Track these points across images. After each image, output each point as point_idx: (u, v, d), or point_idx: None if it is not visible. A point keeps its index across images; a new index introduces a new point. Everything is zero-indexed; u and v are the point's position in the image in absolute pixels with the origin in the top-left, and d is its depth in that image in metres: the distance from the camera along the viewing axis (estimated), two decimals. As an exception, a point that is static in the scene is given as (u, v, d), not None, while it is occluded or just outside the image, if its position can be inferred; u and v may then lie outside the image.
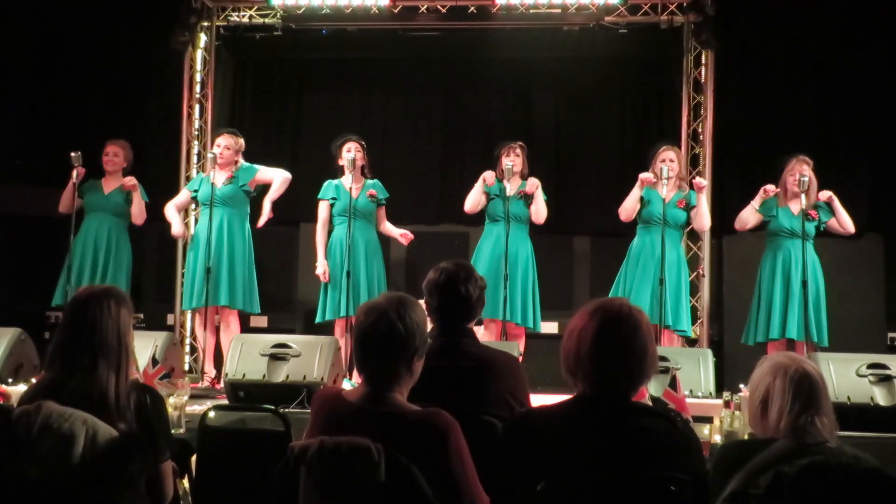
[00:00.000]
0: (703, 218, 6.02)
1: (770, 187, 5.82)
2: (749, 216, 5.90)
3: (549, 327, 6.15)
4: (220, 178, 6.04)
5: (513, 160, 5.95)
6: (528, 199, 6.03)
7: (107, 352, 2.47)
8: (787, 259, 5.74)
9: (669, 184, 5.81)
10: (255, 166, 6.17)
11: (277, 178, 6.17)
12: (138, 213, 6.25)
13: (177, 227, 6.18)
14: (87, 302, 2.53)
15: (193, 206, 6.42)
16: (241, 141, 6.17)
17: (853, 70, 7.10)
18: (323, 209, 6.15)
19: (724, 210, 7.11)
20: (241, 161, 6.15)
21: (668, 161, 5.86)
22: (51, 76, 7.59)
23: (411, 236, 6.24)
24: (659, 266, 5.69)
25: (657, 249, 5.76)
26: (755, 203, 5.85)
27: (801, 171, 5.73)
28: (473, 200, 6.10)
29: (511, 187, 5.94)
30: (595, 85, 7.55)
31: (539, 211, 6.03)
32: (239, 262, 5.99)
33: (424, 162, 7.72)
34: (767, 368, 2.27)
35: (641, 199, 5.92)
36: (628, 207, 5.96)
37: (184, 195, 6.32)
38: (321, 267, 6.05)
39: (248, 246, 6.10)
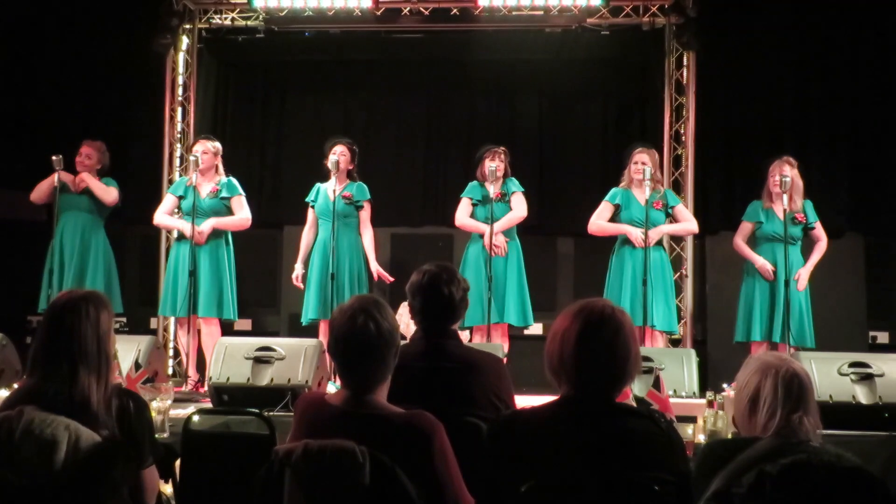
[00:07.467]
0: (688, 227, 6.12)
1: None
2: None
3: (534, 328, 6.16)
4: (204, 188, 5.98)
5: (497, 164, 5.95)
6: (505, 198, 6.03)
7: (86, 358, 2.45)
8: (772, 262, 5.76)
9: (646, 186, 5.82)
10: (238, 189, 6.02)
11: (239, 217, 6.00)
12: (103, 192, 6.15)
13: (187, 230, 5.96)
14: (65, 308, 2.50)
15: (177, 211, 6.31)
16: (217, 144, 6.10)
17: (834, 72, 7.15)
18: (309, 211, 6.16)
19: (707, 210, 7.14)
20: (222, 168, 6.09)
21: (642, 163, 5.85)
22: (30, 79, 7.53)
23: (390, 279, 6.07)
24: (643, 267, 5.71)
25: (639, 251, 5.77)
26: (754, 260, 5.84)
27: (782, 171, 5.74)
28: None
29: (494, 189, 5.94)
30: (578, 86, 7.57)
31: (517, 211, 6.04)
32: (219, 273, 5.94)
33: (408, 164, 7.71)
34: (756, 368, 2.25)
35: (618, 205, 5.93)
36: (601, 228, 5.96)
37: (169, 200, 6.17)
38: (296, 271, 6.08)
39: (229, 255, 6.06)
